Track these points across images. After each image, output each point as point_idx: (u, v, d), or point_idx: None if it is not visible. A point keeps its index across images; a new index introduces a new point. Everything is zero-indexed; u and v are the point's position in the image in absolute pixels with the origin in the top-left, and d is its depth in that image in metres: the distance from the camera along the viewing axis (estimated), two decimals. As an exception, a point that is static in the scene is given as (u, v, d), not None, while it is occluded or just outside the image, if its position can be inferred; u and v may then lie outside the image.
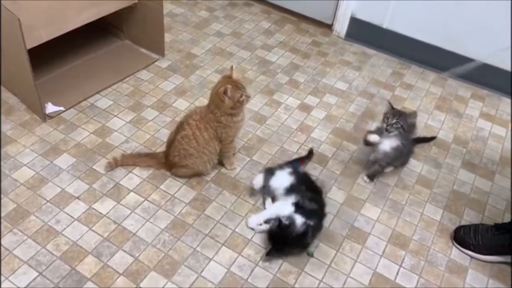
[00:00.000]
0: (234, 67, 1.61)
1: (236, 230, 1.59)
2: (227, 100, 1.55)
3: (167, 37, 2.41)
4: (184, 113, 1.86)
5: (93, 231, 1.53)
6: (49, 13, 1.76)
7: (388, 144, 1.70)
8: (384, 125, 1.67)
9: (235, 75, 1.59)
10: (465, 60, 2.33)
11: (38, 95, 1.81)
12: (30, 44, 1.69)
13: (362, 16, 2.51)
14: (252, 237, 1.57)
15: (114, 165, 1.72)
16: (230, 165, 1.78)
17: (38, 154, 1.76)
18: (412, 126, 1.69)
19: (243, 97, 1.58)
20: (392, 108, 1.70)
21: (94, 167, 1.73)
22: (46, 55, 2.08)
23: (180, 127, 1.64)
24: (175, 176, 1.73)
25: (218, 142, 1.65)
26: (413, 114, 1.68)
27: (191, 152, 1.63)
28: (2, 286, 1.37)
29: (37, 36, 1.73)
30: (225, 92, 1.53)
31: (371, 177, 1.79)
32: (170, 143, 1.67)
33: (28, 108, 1.93)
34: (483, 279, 1.53)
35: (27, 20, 1.63)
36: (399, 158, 1.77)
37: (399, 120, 1.65)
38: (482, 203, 1.78)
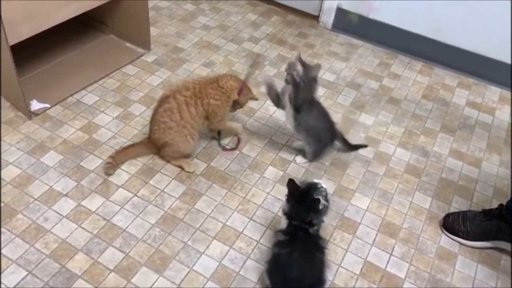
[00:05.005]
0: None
1: (227, 223, 1.58)
2: (233, 96, 1.68)
3: (153, 31, 2.38)
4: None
5: (82, 228, 1.52)
6: (30, 8, 1.72)
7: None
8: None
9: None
10: (451, 49, 2.34)
11: (22, 92, 1.78)
12: (12, 41, 1.66)
13: (348, 6, 2.51)
14: (243, 230, 1.57)
15: (115, 165, 1.69)
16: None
17: (24, 152, 1.73)
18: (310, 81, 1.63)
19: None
20: (300, 59, 1.62)
21: (81, 163, 1.72)
22: (29, 52, 2.05)
23: (163, 100, 1.63)
24: (165, 159, 1.73)
25: (204, 120, 1.67)
26: (316, 67, 1.63)
27: (171, 125, 1.61)
28: (-9, 286, 1.35)
29: (19, 32, 1.70)
30: (239, 93, 1.67)
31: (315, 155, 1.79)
32: (152, 118, 1.67)
33: (13, 105, 1.90)
34: (472, 265, 1.55)
35: (8, 16, 1.60)
36: (310, 130, 1.71)
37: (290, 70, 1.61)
38: (470, 190, 1.80)
